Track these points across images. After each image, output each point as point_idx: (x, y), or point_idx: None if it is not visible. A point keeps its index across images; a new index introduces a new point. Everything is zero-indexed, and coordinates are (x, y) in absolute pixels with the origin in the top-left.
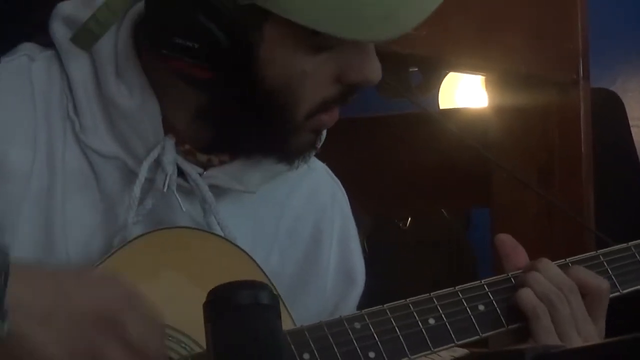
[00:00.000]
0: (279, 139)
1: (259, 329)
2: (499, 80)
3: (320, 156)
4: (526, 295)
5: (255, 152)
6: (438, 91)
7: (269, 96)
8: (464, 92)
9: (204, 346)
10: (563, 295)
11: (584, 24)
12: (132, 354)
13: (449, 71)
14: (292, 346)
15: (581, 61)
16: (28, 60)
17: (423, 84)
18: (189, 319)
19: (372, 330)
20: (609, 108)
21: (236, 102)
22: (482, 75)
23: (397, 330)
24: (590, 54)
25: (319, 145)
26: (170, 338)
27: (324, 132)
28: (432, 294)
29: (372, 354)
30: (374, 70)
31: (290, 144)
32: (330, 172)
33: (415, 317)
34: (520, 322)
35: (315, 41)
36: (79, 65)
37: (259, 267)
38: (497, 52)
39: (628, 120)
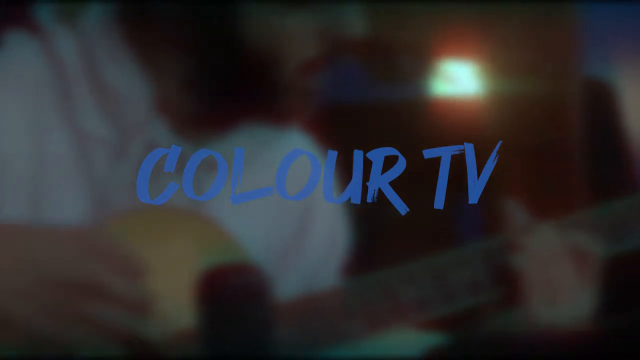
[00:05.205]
0: (266, 103)
1: (248, 312)
2: (494, 68)
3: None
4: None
5: (246, 120)
6: (432, 77)
7: (251, 57)
8: (459, 79)
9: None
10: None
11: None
12: None
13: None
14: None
15: (575, 50)
16: (16, 47)
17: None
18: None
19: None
20: (603, 98)
21: (220, 67)
22: (477, 62)
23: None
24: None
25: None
26: None
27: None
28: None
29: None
30: (357, 24)
31: (279, 108)
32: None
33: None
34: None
35: None
36: (68, 48)
37: (244, 250)
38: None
39: (622, 111)
